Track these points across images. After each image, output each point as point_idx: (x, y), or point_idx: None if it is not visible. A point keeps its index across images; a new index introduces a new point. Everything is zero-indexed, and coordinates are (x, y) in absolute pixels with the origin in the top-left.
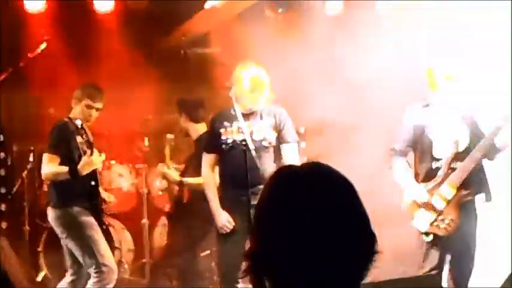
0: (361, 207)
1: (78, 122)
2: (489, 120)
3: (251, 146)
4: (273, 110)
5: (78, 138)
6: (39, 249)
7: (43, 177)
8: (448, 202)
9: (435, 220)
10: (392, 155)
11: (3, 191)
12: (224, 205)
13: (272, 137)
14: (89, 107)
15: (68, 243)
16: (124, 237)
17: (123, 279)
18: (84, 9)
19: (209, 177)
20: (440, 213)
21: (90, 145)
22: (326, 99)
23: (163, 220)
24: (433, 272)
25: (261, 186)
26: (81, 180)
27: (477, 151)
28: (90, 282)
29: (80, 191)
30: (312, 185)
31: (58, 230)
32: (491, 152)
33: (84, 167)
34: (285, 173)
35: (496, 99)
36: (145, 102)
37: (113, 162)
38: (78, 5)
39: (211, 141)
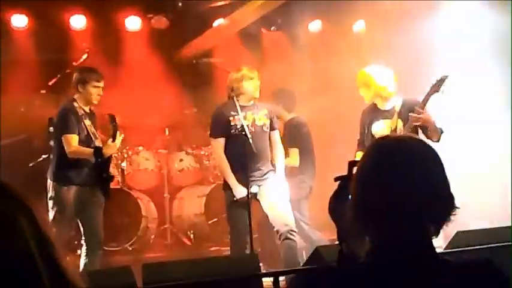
0: (442, 172)
1: (86, 107)
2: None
3: (250, 134)
4: (264, 104)
5: (87, 122)
6: None
7: (70, 155)
8: None
9: None
10: (358, 142)
11: None
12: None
13: (267, 124)
14: (95, 87)
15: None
16: (150, 208)
17: (149, 241)
18: (118, 27)
19: (224, 159)
20: None
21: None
22: (307, 99)
23: (180, 194)
24: None
25: (258, 165)
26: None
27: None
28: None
29: (84, 170)
30: (402, 152)
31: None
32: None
33: (109, 150)
34: (382, 140)
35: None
36: (165, 101)
37: (140, 148)
38: (113, 24)
39: (220, 127)
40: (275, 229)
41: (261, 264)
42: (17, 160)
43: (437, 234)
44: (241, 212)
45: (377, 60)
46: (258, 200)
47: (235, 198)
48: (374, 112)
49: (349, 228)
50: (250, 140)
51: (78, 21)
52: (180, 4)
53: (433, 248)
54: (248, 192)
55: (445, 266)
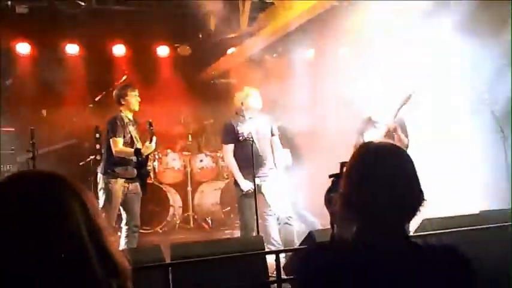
0: (414, 171)
1: (130, 116)
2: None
3: (256, 140)
4: (265, 115)
5: (130, 128)
6: None
7: (116, 154)
8: None
9: None
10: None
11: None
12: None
13: (269, 131)
14: (132, 96)
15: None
16: (176, 199)
17: (175, 226)
18: (150, 54)
19: (233, 160)
20: None
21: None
22: (303, 112)
23: (201, 188)
24: None
25: (262, 164)
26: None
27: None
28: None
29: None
30: (383, 154)
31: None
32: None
33: (146, 150)
34: (367, 145)
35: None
36: (189, 113)
37: (168, 151)
38: (146, 51)
39: (230, 136)
40: (276, 216)
41: (265, 244)
42: (69, 160)
43: (409, 220)
44: (249, 203)
45: (360, 80)
46: (262, 193)
47: (243, 192)
48: (367, 123)
49: (339, 215)
50: (256, 145)
51: (119, 50)
52: (200, 36)
53: (406, 232)
54: (254, 186)
55: (415, 247)
